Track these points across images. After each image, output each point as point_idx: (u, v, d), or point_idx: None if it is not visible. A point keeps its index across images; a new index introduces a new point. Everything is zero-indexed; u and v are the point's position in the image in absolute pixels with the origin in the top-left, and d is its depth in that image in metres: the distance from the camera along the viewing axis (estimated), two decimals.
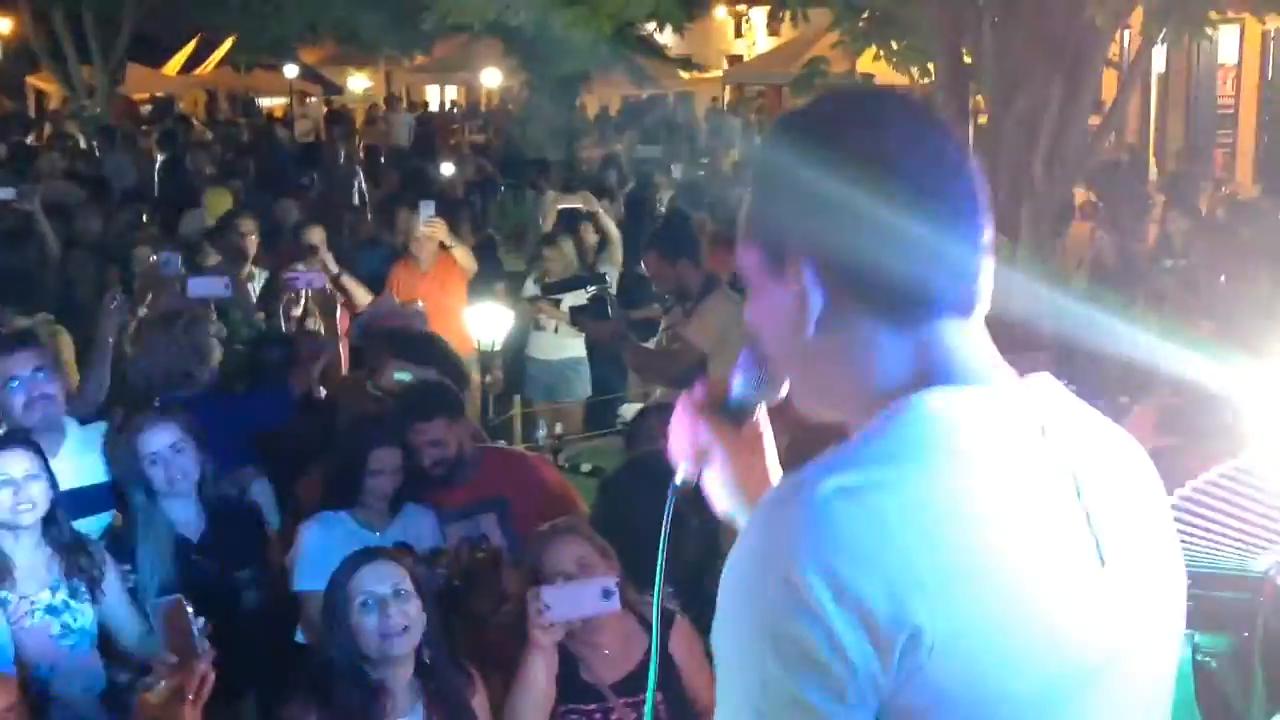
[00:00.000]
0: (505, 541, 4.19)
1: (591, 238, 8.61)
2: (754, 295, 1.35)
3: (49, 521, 3.74)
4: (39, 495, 3.69)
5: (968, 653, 1.15)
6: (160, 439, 4.06)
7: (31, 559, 3.71)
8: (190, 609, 3.15)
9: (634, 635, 3.50)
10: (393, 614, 3.26)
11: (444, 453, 4.25)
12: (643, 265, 7.07)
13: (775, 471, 1.59)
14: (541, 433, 7.10)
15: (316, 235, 7.37)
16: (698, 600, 3.62)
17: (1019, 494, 1.22)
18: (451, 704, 3.35)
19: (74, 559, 3.75)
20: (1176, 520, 1.45)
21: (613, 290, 7.32)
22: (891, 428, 1.24)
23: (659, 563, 1.60)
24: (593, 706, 3.43)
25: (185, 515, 4.14)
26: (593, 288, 6.95)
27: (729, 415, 1.56)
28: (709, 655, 1.26)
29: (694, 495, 1.61)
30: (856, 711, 1.14)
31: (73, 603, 3.72)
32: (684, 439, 1.58)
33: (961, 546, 1.17)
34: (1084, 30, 7.69)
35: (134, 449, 4.07)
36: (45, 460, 3.77)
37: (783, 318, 1.31)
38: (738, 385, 1.55)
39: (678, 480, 1.59)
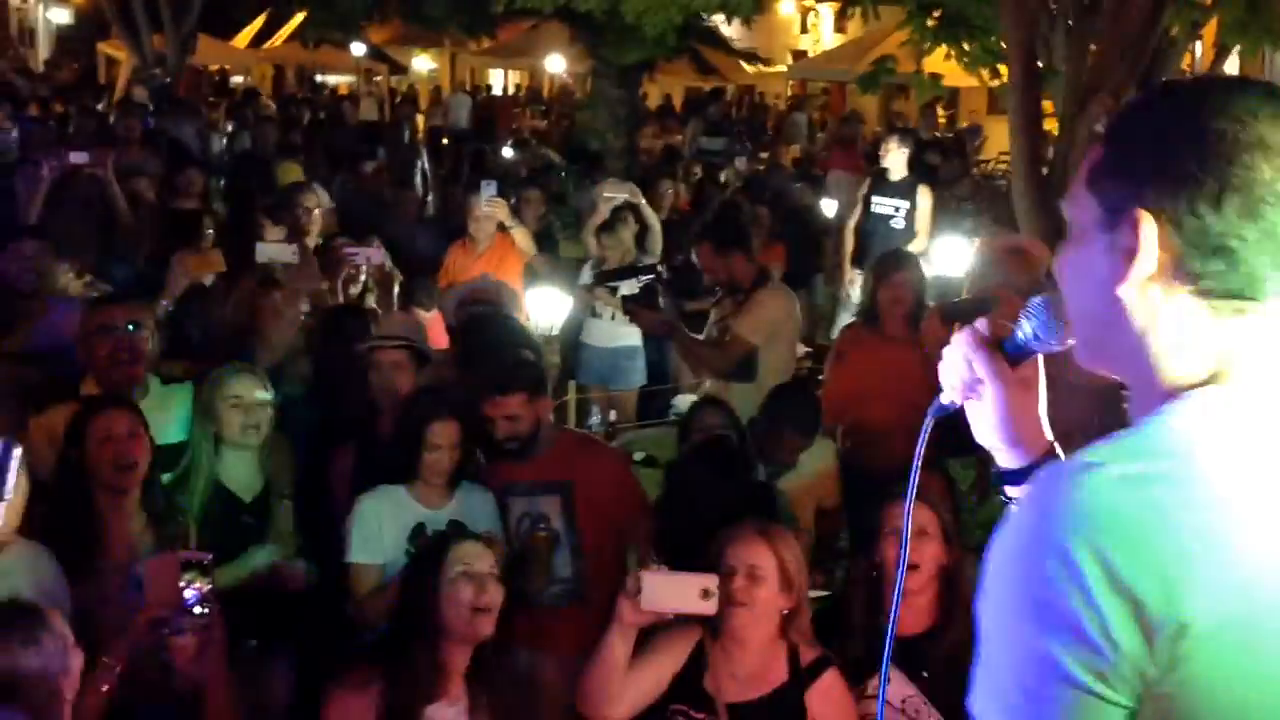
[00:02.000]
0: (564, 526, 4.20)
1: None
2: (1074, 245, 1.36)
3: (148, 487, 3.80)
4: (141, 455, 3.76)
5: (1234, 650, 1.17)
6: (247, 385, 4.21)
7: (128, 526, 3.75)
8: (197, 571, 3.21)
9: (775, 668, 3.41)
10: (489, 591, 3.32)
11: (518, 428, 4.23)
12: (694, 256, 7.06)
13: (1044, 419, 1.63)
14: (595, 419, 7.11)
15: None
16: None
17: None
18: (500, 689, 3.38)
19: (164, 528, 3.79)
20: None
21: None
22: (1179, 421, 1.24)
23: (909, 487, 1.65)
24: (702, 715, 3.37)
25: (244, 472, 4.22)
26: (645, 277, 6.95)
27: (1008, 354, 1.60)
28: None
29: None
30: (1120, 694, 1.17)
31: None
32: (958, 368, 1.61)
33: (1237, 549, 1.18)
34: (1160, 39, 7.61)
35: (218, 392, 4.20)
36: (145, 422, 3.84)
37: (1097, 273, 1.32)
38: (1025, 327, 1.58)
39: (941, 403, 1.65)
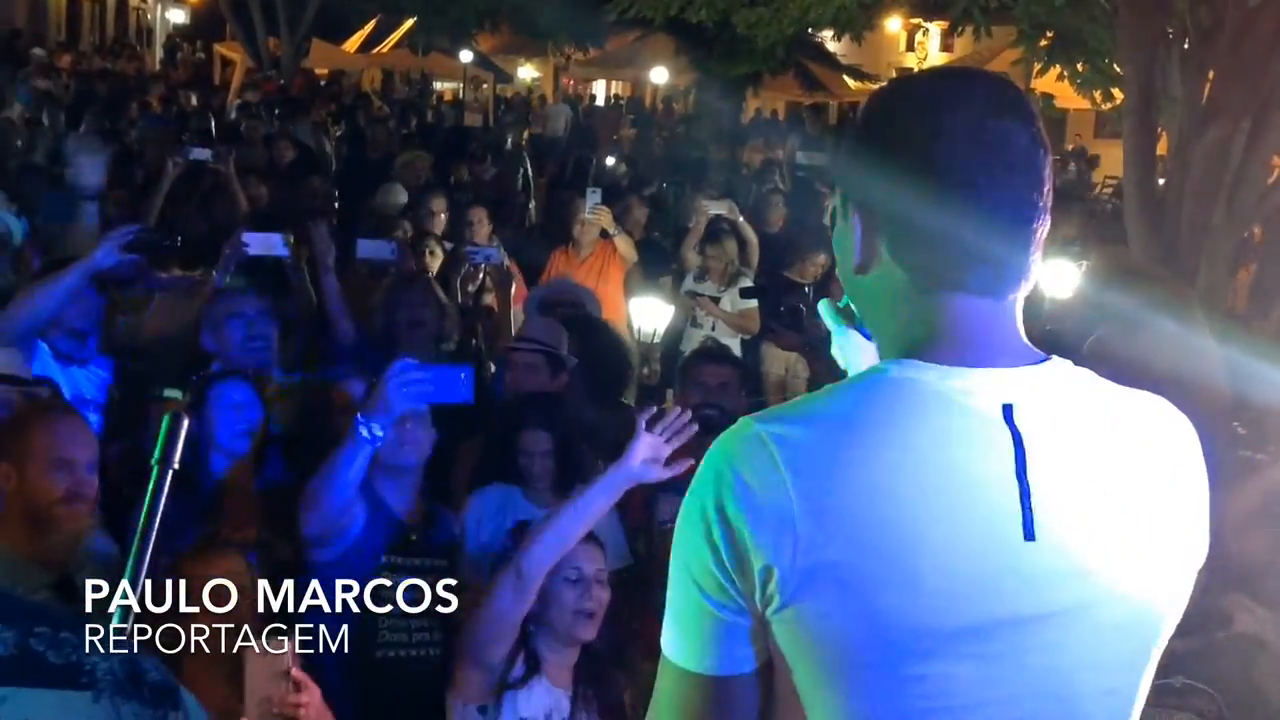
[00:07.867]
0: None
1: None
2: (834, 227, 1.55)
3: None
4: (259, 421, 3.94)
5: (848, 588, 1.31)
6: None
7: (245, 491, 3.90)
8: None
9: None
10: (594, 595, 3.33)
11: (723, 397, 4.41)
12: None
13: None
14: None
15: (478, 214, 7.58)
16: None
17: (939, 465, 1.34)
18: (604, 691, 3.38)
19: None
20: None
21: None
22: (849, 390, 1.42)
23: None
24: None
25: None
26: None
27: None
28: None
29: None
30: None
31: None
32: None
33: (860, 498, 1.32)
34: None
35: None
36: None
37: (843, 252, 1.51)
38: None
39: None
